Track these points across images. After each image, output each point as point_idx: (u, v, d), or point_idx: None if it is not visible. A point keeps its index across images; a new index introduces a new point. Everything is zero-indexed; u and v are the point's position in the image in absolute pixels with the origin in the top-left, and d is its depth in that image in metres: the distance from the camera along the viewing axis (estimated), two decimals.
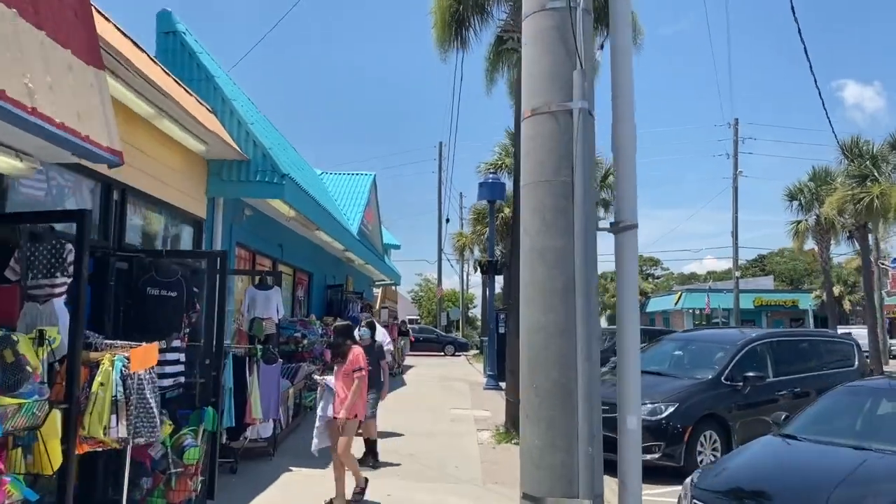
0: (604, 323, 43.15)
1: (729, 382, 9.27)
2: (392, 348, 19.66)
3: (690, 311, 52.72)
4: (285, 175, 8.60)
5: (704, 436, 8.69)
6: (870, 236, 26.55)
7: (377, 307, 37.54)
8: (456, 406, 13.55)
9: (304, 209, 9.88)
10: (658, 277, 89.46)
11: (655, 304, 60.18)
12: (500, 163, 20.54)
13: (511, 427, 10.34)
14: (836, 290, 49.14)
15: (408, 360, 25.56)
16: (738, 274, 51.24)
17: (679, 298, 54.26)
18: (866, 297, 24.56)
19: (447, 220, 30.79)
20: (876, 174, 21.98)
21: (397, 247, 26.64)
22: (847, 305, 47.01)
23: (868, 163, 22.69)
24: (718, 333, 10.85)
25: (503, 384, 17.61)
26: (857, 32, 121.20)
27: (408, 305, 76.24)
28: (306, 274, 14.60)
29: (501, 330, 18.16)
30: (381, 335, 9.32)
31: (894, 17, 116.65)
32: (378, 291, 40.22)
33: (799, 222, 27.90)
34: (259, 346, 8.15)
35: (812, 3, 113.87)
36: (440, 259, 39.95)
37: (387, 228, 27.43)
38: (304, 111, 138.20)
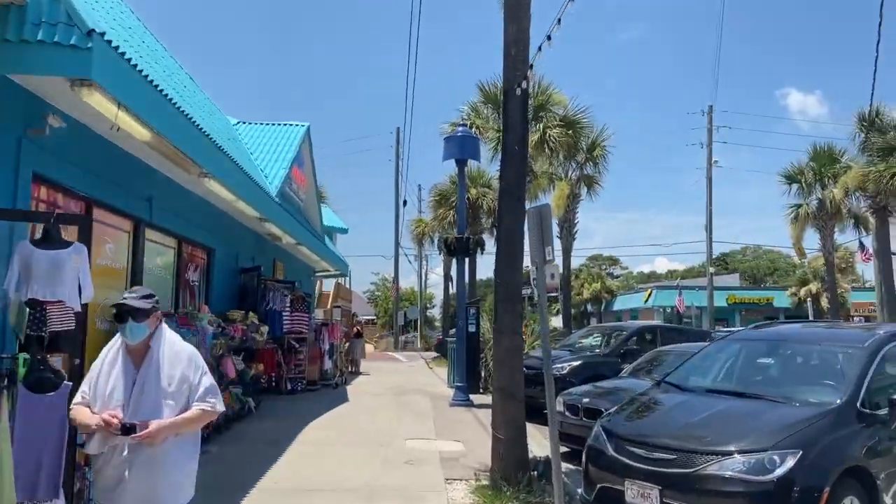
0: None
1: (868, 410, 5.57)
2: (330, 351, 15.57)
3: (661, 308, 49.94)
4: (95, 33, 4.54)
5: None
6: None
7: (328, 305, 33.30)
8: (413, 435, 9.61)
9: (157, 121, 5.80)
10: (617, 277, 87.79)
11: (623, 302, 57.48)
12: (469, 123, 16.67)
13: (503, 478, 6.48)
14: (813, 287, 46.96)
15: (362, 365, 21.48)
16: (712, 270, 48.62)
17: (649, 296, 51.59)
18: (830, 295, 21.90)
19: (404, 203, 27.05)
20: None
21: (344, 230, 22.56)
22: (824, 303, 44.66)
23: (890, 136, 19.61)
24: (824, 331, 7.22)
25: (477, 399, 14.05)
26: (800, 40, 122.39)
27: (364, 305, 71.95)
28: (203, 249, 10.46)
29: (472, 328, 14.31)
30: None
31: (836, 27, 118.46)
32: (319, 284, 35.96)
33: (799, 206, 24.85)
34: (21, 357, 4.09)
35: (759, 12, 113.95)
36: (397, 252, 35.95)
37: (334, 211, 23.25)
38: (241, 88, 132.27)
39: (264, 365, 11.27)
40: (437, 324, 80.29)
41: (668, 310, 49.10)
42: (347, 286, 55.32)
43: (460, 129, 13.08)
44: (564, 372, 11.70)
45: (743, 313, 49.89)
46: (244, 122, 13.97)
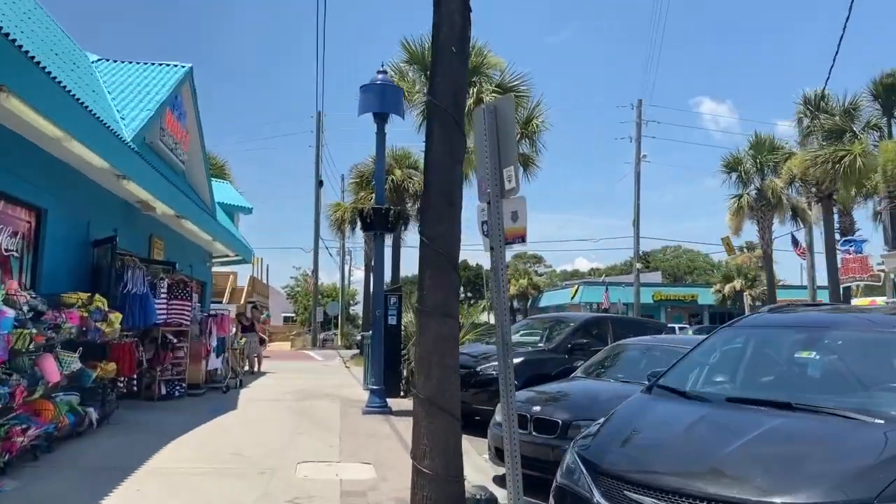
0: None
1: None
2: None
3: (588, 305, 49.12)
4: None
5: None
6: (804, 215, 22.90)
7: (242, 300, 30.13)
8: (310, 456, 7.24)
9: None
10: (542, 274, 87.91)
11: (550, 298, 56.56)
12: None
13: None
14: (738, 283, 47.14)
15: (267, 365, 18.77)
16: (639, 266, 48.24)
17: (576, 292, 50.82)
18: (768, 290, 20.98)
19: (320, 183, 24.31)
20: (855, 130, 17.85)
21: (248, 210, 19.78)
22: (748, 300, 44.83)
23: (838, 119, 18.60)
24: (881, 316, 5.33)
25: (396, 404, 11.75)
26: (713, 52, 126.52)
27: (282, 301, 68.33)
28: (26, 209, 7.73)
29: (392, 320, 12.04)
30: None
31: (746, 39, 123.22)
32: (233, 279, 32.88)
33: (740, 196, 23.83)
34: None
35: (673, 20, 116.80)
36: (317, 240, 33.18)
37: (241, 193, 20.43)
38: None
39: (120, 364, 8.62)
40: (360, 321, 77.66)
41: (595, 306, 48.35)
42: (264, 281, 51.93)
43: (380, 76, 10.73)
44: None
45: (668, 310, 49.80)
46: (106, 60, 11.15)
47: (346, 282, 58.60)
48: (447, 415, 4.49)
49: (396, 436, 8.67)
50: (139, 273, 9.28)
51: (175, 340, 11.44)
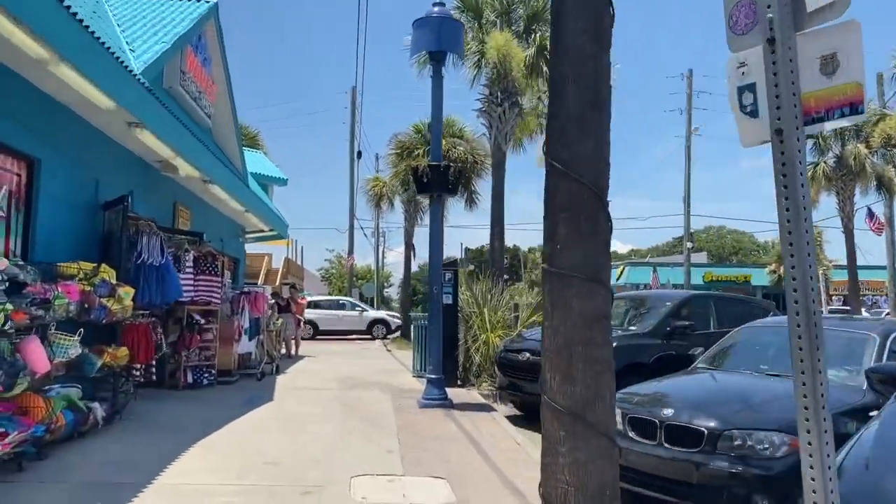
0: None
1: None
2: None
3: (634, 286, 47.04)
4: None
5: None
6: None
7: (277, 282, 28.89)
8: (365, 468, 5.68)
9: None
10: None
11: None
12: None
13: None
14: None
15: (304, 348, 17.38)
16: (690, 245, 46.08)
17: (621, 273, 48.56)
18: (849, 270, 18.64)
19: (359, 155, 22.77)
20: None
21: (283, 181, 18.30)
22: (822, 279, 42.19)
23: None
24: None
25: (455, 395, 9.49)
26: None
27: (317, 283, 67.47)
28: (13, 156, 6.27)
29: (447, 300, 10.47)
30: None
31: None
32: (268, 260, 31.78)
33: (815, 164, 21.63)
34: None
35: None
36: (352, 216, 31.76)
37: (273, 164, 18.96)
38: None
39: (134, 348, 7.17)
40: (395, 304, 76.47)
41: (641, 287, 46.27)
42: (299, 263, 51.00)
43: (436, 9, 9.01)
44: None
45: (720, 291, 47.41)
46: None
47: (381, 257, 57.36)
48: (602, 438, 2.84)
49: (465, 437, 7.08)
50: (155, 240, 7.79)
51: (202, 321, 10.01)
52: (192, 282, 10.00)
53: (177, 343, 9.70)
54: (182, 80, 8.97)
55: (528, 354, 8.47)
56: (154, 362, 8.02)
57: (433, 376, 8.89)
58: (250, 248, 37.76)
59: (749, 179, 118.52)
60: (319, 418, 7.79)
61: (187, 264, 9.93)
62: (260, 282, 31.44)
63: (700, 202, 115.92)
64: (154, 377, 8.09)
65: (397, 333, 25.21)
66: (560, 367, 2.95)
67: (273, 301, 14.29)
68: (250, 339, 11.46)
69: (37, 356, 5.23)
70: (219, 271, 10.43)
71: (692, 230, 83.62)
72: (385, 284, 65.42)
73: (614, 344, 7.87)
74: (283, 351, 16.01)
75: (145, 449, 5.96)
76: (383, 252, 59.03)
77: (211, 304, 10.22)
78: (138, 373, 7.77)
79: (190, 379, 9.79)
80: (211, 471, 5.37)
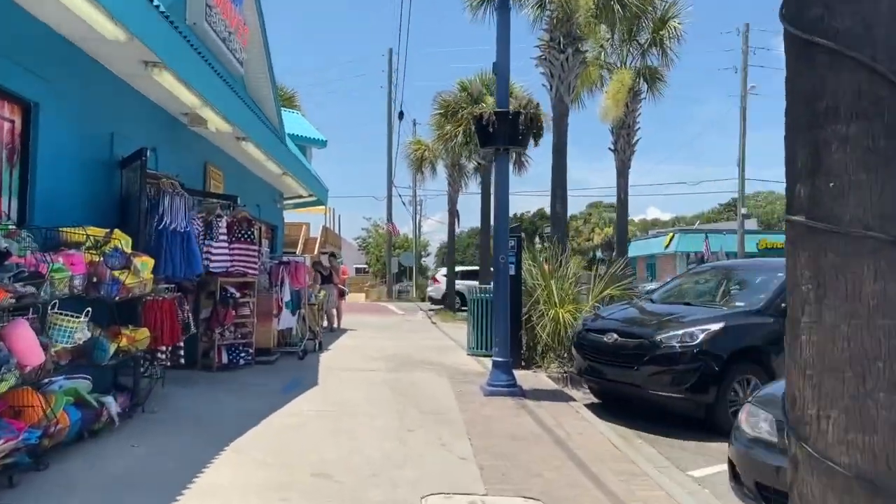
0: None
1: None
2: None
3: (685, 255, 45.11)
4: None
5: None
6: None
7: (315, 251, 28.02)
8: (437, 478, 4.51)
9: None
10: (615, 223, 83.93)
11: (638, 249, 52.23)
12: None
13: None
14: None
15: (346, 320, 16.36)
16: (744, 210, 43.89)
17: (670, 240, 46.61)
18: None
19: (400, 115, 21.46)
20: None
21: (322, 143, 17.13)
22: None
23: None
24: None
25: (523, 379, 8.13)
26: None
27: (354, 253, 66.99)
28: (9, 101, 5.14)
29: (511, 270, 9.21)
30: None
31: None
32: (305, 229, 31.02)
33: None
34: None
35: None
36: (390, 185, 30.61)
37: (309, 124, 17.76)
38: None
39: (157, 329, 6.10)
40: (431, 272, 75.51)
41: (691, 256, 44.29)
42: (336, 231, 50.28)
43: None
44: (697, 342, 6.61)
45: None
46: None
47: (418, 222, 56.32)
48: None
49: (550, 437, 5.87)
50: (179, 202, 6.65)
51: (238, 295, 8.95)
52: (226, 251, 8.93)
53: (210, 319, 8.66)
54: (209, 16, 7.76)
55: (615, 336, 7.19)
56: (182, 344, 6.95)
57: (500, 359, 7.68)
58: (287, 217, 36.89)
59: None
60: (371, 409, 6.66)
61: (220, 231, 8.84)
62: (298, 251, 30.66)
63: (750, 167, 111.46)
64: (182, 360, 7.03)
65: (438, 306, 24.09)
66: (840, 398, 1.68)
67: (315, 271, 13.22)
68: (292, 314, 10.39)
69: (26, 344, 4.15)
70: (255, 239, 9.33)
71: (736, 196, 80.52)
72: (423, 253, 64.47)
73: (722, 325, 6.56)
74: (325, 324, 15.03)
75: (167, 454, 4.89)
76: (420, 220, 57.93)
77: (247, 275, 9.14)
78: (163, 356, 6.72)
79: (225, 359, 8.77)
80: (246, 487, 4.27)
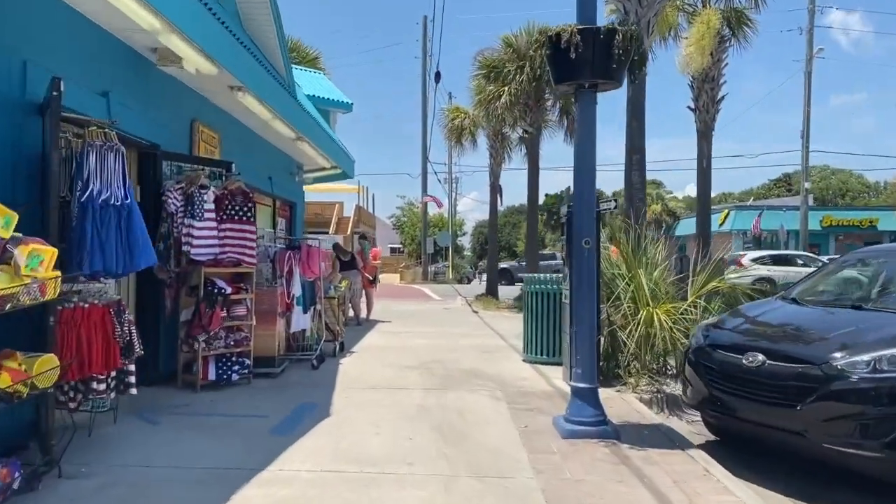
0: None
1: None
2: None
3: (741, 233, 41.97)
4: None
5: None
6: None
7: (349, 231, 25.99)
8: None
9: None
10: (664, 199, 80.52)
11: (688, 227, 49.23)
12: None
13: None
14: None
15: (377, 309, 14.28)
16: (807, 185, 40.58)
17: (725, 217, 43.43)
18: None
19: (437, 76, 19.08)
20: None
21: (347, 106, 14.91)
22: None
23: None
24: None
25: (606, 402, 5.56)
26: None
27: (389, 232, 65.10)
28: None
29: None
30: None
31: None
32: (338, 209, 29.20)
33: None
34: None
35: None
36: (425, 160, 28.37)
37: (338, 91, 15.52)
38: None
39: (70, 353, 4.00)
40: (467, 253, 73.29)
41: (748, 234, 41.15)
42: (370, 211, 48.37)
43: None
44: None
45: (840, 238, 41.76)
46: None
47: (453, 210, 54.10)
48: None
49: None
50: (114, 161, 4.48)
51: (229, 290, 6.84)
52: (213, 234, 6.83)
53: (191, 324, 6.57)
54: None
55: (760, 357, 4.86)
56: (131, 367, 4.83)
57: (583, 385, 5.41)
58: (321, 197, 34.88)
59: (838, 118, 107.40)
60: (402, 468, 4.47)
61: (206, 207, 6.74)
62: (331, 231, 28.71)
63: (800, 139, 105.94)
64: (133, 390, 4.93)
65: (476, 287, 21.84)
66: None
67: (334, 256, 11.07)
68: (305, 311, 8.27)
69: None
70: (252, 217, 7.20)
71: (790, 171, 75.61)
72: (458, 232, 62.20)
73: None
74: (352, 314, 12.96)
75: None
76: (455, 198, 55.67)
77: (242, 264, 7.03)
78: (105, 386, 4.62)
79: (212, 374, 6.70)
80: None
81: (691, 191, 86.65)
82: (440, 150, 59.13)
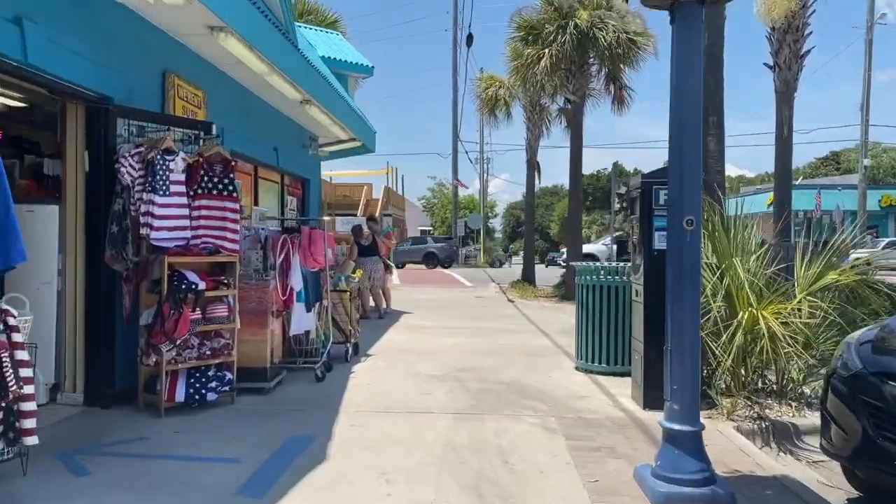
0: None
1: None
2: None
3: (794, 213, 39.33)
4: None
5: None
6: None
7: (378, 213, 24.45)
8: None
9: None
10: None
11: (734, 207, 46.63)
12: None
13: None
14: None
15: (399, 298, 12.76)
16: (866, 162, 37.88)
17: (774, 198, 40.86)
18: None
19: (469, 39, 17.20)
20: None
21: (367, 69, 13.25)
22: None
23: None
24: None
25: (714, 448, 3.21)
26: None
27: (418, 214, 63.59)
28: None
29: (661, 244, 5.16)
30: None
31: None
32: (367, 190, 27.90)
33: None
34: None
35: None
36: (455, 138, 26.66)
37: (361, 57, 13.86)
38: None
39: None
40: (498, 235, 71.42)
41: (800, 215, 38.60)
42: (399, 193, 46.79)
43: None
44: None
45: None
46: None
47: (484, 191, 52.27)
48: None
49: None
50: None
51: (203, 286, 5.30)
52: (184, 212, 5.32)
53: (152, 327, 5.06)
54: None
55: None
56: (23, 406, 3.32)
57: (682, 428, 3.76)
58: (347, 179, 33.32)
59: (883, 92, 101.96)
60: None
61: (173, 179, 5.22)
62: (359, 213, 27.26)
63: (851, 114, 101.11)
64: (29, 439, 3.42)
65: (512, 272, 20.15)
66: None
67: (351, 242, 9.46)
68: (308, 309, 6.71)
69: None
70: (235, 192, 5.65)
71: (837, 149, 71.80)
72: (490, 214, 60.42)
73: None
74: (372, 304, 11.44)
75: None
76: (487, 179, 53.78)
77: (222, 251, 5.50)
78: None
79: (181, 394, 5.19)
80: None
81: (729, 170, 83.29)
82: (471, 126, 56.98)
